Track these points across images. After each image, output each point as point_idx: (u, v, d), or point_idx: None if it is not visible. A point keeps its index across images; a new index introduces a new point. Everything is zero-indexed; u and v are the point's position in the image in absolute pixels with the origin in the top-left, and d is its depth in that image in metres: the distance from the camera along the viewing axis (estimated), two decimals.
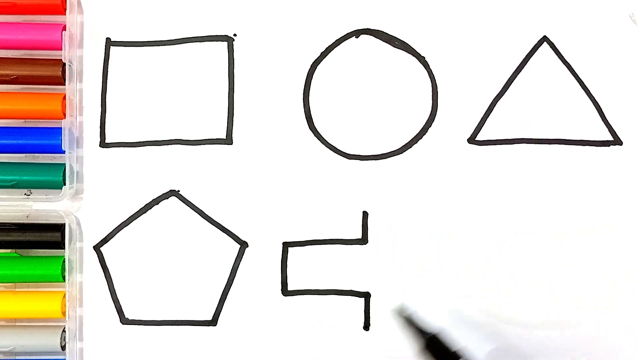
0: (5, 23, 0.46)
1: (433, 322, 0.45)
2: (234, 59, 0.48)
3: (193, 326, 0.47)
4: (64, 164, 0.46)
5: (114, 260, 0.47)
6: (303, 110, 0.48)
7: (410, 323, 0.45)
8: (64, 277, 0.46)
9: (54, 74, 0.46)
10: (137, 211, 0.47)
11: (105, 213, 0.47)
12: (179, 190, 0.48)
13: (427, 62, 0.48)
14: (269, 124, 0.48)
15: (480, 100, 0.48)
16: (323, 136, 0.48)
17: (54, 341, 0.46)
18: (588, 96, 0.48)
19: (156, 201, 0.47)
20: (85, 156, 0.48)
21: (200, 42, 0.48)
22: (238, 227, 0.47)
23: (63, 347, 0.46)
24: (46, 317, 0.46)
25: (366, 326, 0.47)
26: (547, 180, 0.47)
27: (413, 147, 0.48)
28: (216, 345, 0.47)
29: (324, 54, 0.48)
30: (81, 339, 0.47)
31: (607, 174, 0.47)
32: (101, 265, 0.47)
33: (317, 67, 0.48)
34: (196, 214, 0.47)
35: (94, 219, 0.48)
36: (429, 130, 0.48)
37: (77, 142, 0.48)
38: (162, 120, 0.48)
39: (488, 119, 0.48)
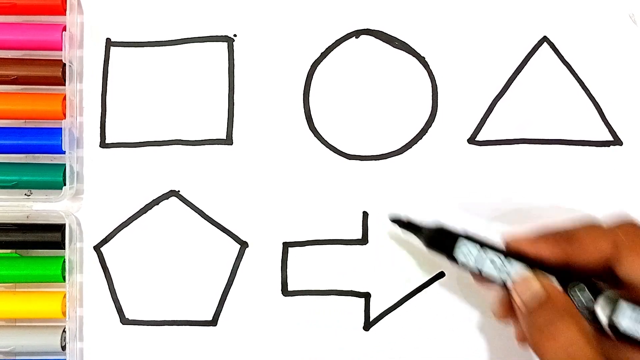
0: (5, 23, 0.46)
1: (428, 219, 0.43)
2: (234, 59, 0.48)
3: (193, 326, 0.47)
4: (64, 164, 0.46)
5: (114, 260, 0.48)
6: (303, 110, 0.48)
7: (410, 226, 0.43)
8: (64, 277, 0.46)
9: (54, 74, 0.46)
10: (137, 211, 0.47)
11: (105, 213, 0.47)
12: (179, 191, 0.48)
13: (427, 62, 0.48)
14: (269, 124, 0.48)
15: (480, 100, 0.48)
16: (323, 136, 0.48)
17: (54, 341, 0.46)
18: (588, 96, 0.48)
19: (156, 201, 0.48)
20: (85, 156, 0.48)
21: (200, 42, 0.48)
22: (238, 227, 0.47)
23: (63, 347, 0.46)
24: (46, 317, 0.46)
25: (366, 326, 0.47)
26: (547, 180, 0.47)
27: (413, 147, 0.48)
28: (216, 345, 0.47)
29: (324, 55, 0.48)
30: (81, 339, 0.47)
31: (607, 174, 0.47)
32: (101, 266, 0.47)
33: (317, 68, 0.48)
34: (196, 214, 0.47)
35: (94, 219, 0.48)
36: (429, 130, 0.48)
37: (77, 143, 0.48)
38: (162, 121, 0.48)
39: (488, 119, 0.48)
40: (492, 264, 0.38)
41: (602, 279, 0.37)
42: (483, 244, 0.39)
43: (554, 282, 0.36)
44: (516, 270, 0.38)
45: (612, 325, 0.35)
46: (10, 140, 0.46)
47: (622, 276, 0.36)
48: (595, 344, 0.34)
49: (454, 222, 0.44)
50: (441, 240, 0.40)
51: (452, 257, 0.40)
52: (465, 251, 0.39)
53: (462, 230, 0.41)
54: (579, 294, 0.36)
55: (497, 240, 0.40)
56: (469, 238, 0.40)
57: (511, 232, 0.39)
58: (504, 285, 0.38)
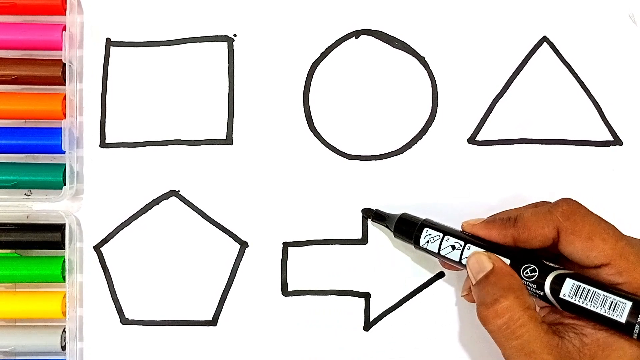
0: (5, 23, 0.46)
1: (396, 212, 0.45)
2: (234, 59, 0.48)
3: (193, 326, 0.47)
4: (64, 164, 0.46)
5: (114, 260, 0.48)
6: (303, 110, 0.48)
7: (378, 217, 0.46)
8: (64, 277, 0.46)
9: (54, 74, 0.46)
10: (137, 211, 0.47)
11: (105, 213, 0.47)
12: (179, 191, 0.48)
13: (427, 62, 0.48)
14: (269, 124, 0.48)
15: (480, 100, 0.48)
16: (323, 136, 0.48)
17: (54, 341, 0.46)
18: (588, 96, 0.48)
19: (156, 201, 0.48)
20: (85, 156, 0.48)
21: (200, 42, 0.48)
22: (238, 227, 0.47)
23: (63, 347, 0.46)
24: (46, 317, 0.46)
25: (366, 326, 0.47)
26: (547, 180, 0.47)
27: (413, 147, 0.48)
28: (216, 345, 0.47)
29: (324, 55, 0.48)
30: (81, 339, 0.47)
31: (607, 174, 0.47)
32: (101, 265, 0.47)
33: (317, 68, 0.48)
34: (196, 214, 0.47)
35: (94, 219, 0.48)
36: (429, 130, 0.48)
37: (77, 142, 0.48)
38: (162, 121, 0.48)
39: (488, 119, 0.48)
40: (452, 249, 0.41)
41: (553, 255, 0.39)
42: (445, 231, 0.42)
43: (506, 262, 0.39)
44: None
45: (558, 298, 0.37)
46: (10, 140, 0.46)
47: (566, 254, 0.38)
48: (538, 317, 0.36)
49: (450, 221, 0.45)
50: (406, 228, 0.44)
51: (417, 244, 0.43)
52: (429, 238, 0.42)
53: (425, 218, 0.43)
54: (530, 274, 0.38)
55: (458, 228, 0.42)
56: (432, 226, 0.42)
57: (468, 219, 0.42)
58: (466, 268, 0.40)
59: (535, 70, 0.48)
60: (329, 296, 0.47)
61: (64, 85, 0.46)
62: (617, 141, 0.47)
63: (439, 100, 0.48)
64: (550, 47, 0.48)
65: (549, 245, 0.38)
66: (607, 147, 0.47)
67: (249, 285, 0.47)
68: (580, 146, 0.47)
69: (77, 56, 0.48)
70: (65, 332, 0.46)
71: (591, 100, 0.48)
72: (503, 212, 0.42)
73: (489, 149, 0.48)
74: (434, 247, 0.42)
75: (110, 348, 0.47)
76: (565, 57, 0.48)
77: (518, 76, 0.48)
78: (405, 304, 0.47)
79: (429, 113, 0.48)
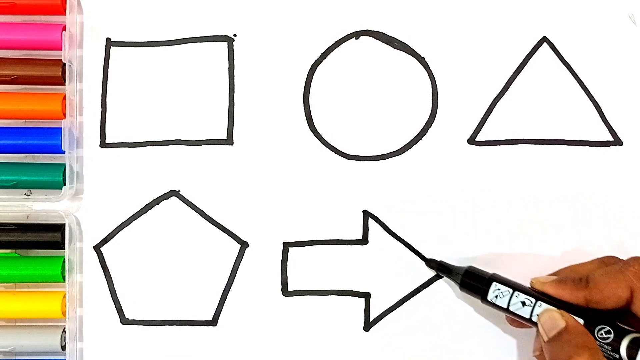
0: (5, 23, 0.46)
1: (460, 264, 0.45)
2: (234, 59, 0.48)
3: (193, 326, 0.47)
4: (64, 164, 0.46)
5: (114, 260, 0.47)
6: (303, 110, 0.48)
7: (443, 269, 0.45)
8: (64, 277, 0.46)
9: (54, 74, 0.46)
10: (137, 211, 0.47)
11: (105, 213, 0.47)
12: (179, 191, 0.48)
13: (427, 62, 0.48)
14: (270, 124, 0.48)
15: (480, 101, 0.48)
16: (323, 137, 0.48)
17: (54, 341, 0.46)
18: (588, 96, 0.48)
19: (156, 201, 0.48)
20: (85, 156, 0.48)
21: (200, 42, 0.48)
22: (238, 227, 0.47)
23: (63, 347, 0.46)
24: (46, 317, 0.46)
25: (366, 326, 0.47)
26: (547, 180, 0.47)
27: (413, 147, 0.48)
28: (216, 345, 0.47)
29: (324, 55, 0.48)
30: (81, 339, 0.47)
31: (607, 174, 0.47)
32: (101, 265, 0.47)
33: (317, 68, 0.48)
34: (196, 214, 0.47)
35: (94, 219, 0.48)
36: (429, 131, 0.48)
37: (77, 142, 0.48)
38: (162, 121, 0.48)
39: (488, 120, 0.48)
40: (522, 305, 0.40)
41: (624, 315, 0.39)
42: (514, 287, 0.41)
43: (580, 322, 0.38)
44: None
45: None
46: (10, 140, 0.46)
47: (639, 315, 0.38)
48: None
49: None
50: (473, 282, 0.43)
51: (484, 299, 0.42)
52: (498, 293, 0.42)
53: (493, 273, 0.43)
54: (605, 335, 0.38)
55: (525, 283, 0.42)
56: (501, 281, 0.42)
57: (537, 277, 0.42)
58: (536, 326, 0.40)
59: (535, 70, 0.48)
60: (329, 296, 0.47)
61: (64, 85, 0.46)
62: (617, 141, 0.47)
63: (439, 100, 0.48)
64: (550, 47, 0.48)
65: (622, 306, 0.38)
66: (607, 147, 0.47)
67: (249, 285, 0.47)
68: (580, 146, 0.47)
69: (77, 56, 0.48)
70: (65, 332, 0.46)
71: (591, 100, 0.48)
72: (571, 269, 0.42)
73: (489, 149, 0.48)
74: (502, 303, 0.41)
75: (110, 348, 0.47)
76: (565, 57, 0.48)
77: (518, 76, 0.48)
78: (405, 304, 0.47)
79: (429, 113, 0.48)
